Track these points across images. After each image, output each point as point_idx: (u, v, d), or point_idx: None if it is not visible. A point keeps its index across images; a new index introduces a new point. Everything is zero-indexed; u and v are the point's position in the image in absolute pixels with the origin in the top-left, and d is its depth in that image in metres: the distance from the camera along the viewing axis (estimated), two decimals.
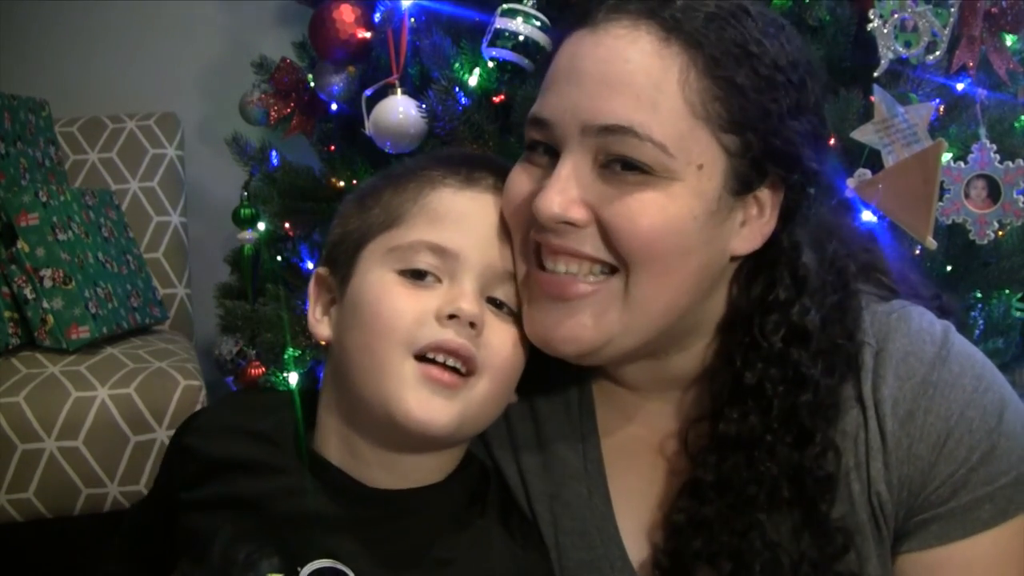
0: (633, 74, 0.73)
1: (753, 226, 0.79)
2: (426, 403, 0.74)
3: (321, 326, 0.83)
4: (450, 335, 0.75)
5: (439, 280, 0.77)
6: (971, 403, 0.78)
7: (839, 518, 0.79)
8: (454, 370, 0.75)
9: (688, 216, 0.74)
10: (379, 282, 0.78)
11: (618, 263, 0.76)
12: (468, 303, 0.75)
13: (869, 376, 0.80)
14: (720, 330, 0.83)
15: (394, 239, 0.79)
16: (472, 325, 0.75)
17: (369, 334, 0.76)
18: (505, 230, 0.80)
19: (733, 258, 0.80)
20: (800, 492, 0.78)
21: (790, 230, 0.80)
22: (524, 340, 0.80)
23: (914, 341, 0.80)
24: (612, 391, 0.89)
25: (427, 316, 0.75)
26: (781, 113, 0.76)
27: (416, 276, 0.77)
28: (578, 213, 0.75)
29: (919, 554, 0.79)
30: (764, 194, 0.78)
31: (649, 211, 0.74)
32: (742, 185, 0.77)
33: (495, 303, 0.80)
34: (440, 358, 0.75)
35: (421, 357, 0.75)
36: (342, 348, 0.80)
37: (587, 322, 0.77)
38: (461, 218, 0.79)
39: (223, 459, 0.82)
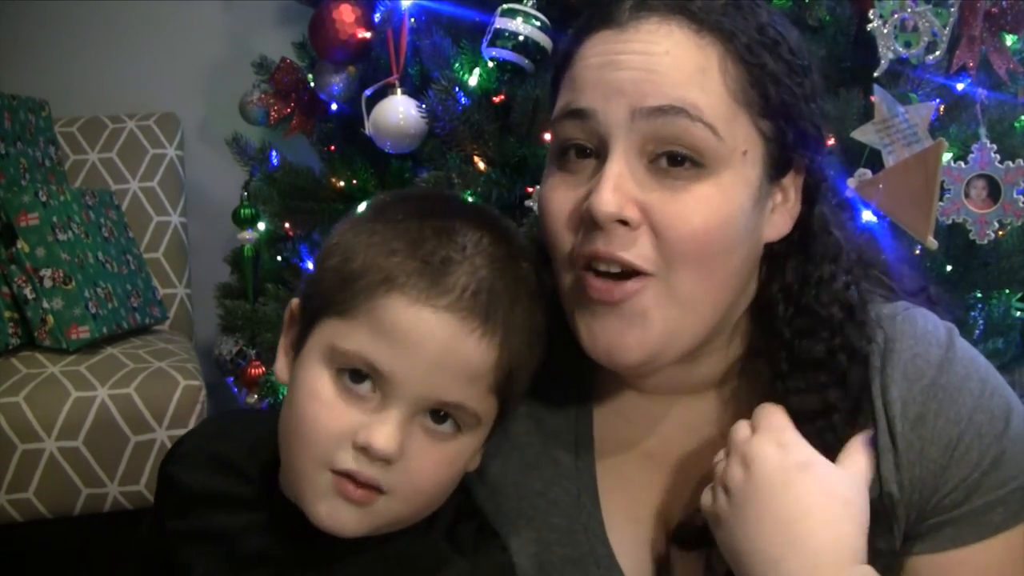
0: (678, 62, 0.74)
1: (780, 211, 0.80)
2: (336, 512, 0.72)
3: (282, 364, 0.79)
4: (361, 466, 0.71)
5: (374, 390, 0.72)
6: (979, 407, 0.78)
7: None
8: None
9: (738, 210, 0.75)
10: (313, 383, 0.73)
11: (657, 267, 0.74)
12: (383, 440, 0.70)
13: (877, 376, 0.80)
14: (747, 321, 0.83)
15: (337, 335, 0.72)
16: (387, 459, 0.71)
17: (293, 435, 0.73)
18: (460, 352, 0.72)
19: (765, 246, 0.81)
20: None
21: (818, 211, 0.81)
22: (460, 456, 0.76)
23: (920, 343, 0.80)
24: (616, 394, 0.88)
25: (345, 440, 0.71)
26: (805, 96, 0.78)
27: (354, 377, 0.72)
28: (631, 212, 0.73)
29: (932, 556, 0.79)
30: (788, 179, 0.80)
31: (703, 209, 0.73)
32: (776, 171, 0.78)
33: (438, 414, 0.73)
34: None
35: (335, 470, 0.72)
36: (282, 412, 0.76)
37: (642, 325, 0.75)
38: (406, 339, 0.70)
39: (198, 490, 0.81)
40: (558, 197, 0.78)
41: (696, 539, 0.81)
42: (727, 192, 0.74)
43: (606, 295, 0.75)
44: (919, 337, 0.81)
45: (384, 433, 0.70)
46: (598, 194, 0.73)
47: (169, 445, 1.72)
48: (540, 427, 0.88)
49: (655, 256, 0.74)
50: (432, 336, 0.71)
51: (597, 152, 0.76)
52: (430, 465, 0.73)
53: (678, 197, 0.73)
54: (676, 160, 0.74)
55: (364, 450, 0.70)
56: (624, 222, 0.73)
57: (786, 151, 0.78)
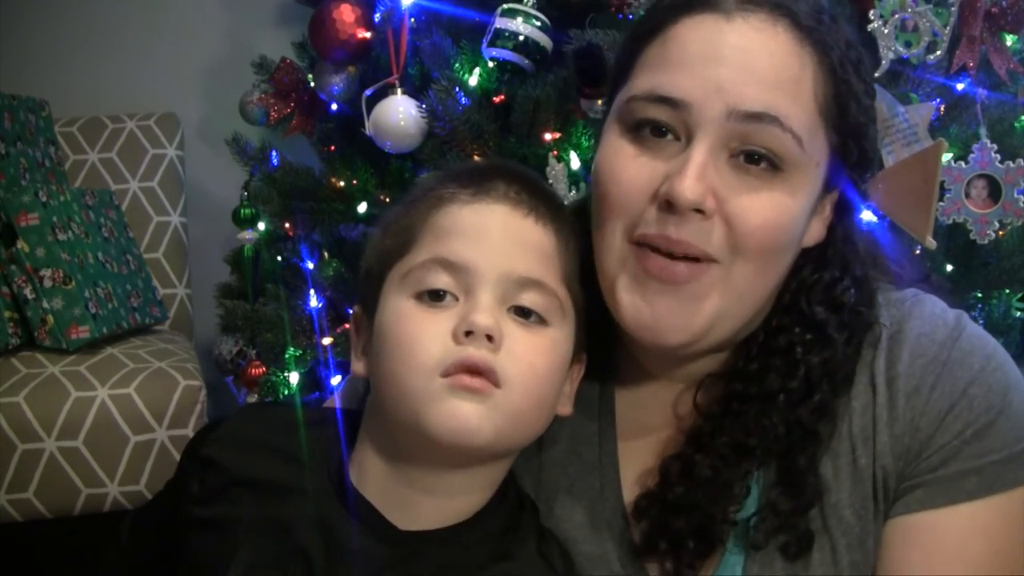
0: (778, 67, 0.74)
1: (817, 220, 0.82)
2: (457, 411, 0.72)
3: (360, 364, 0.82)
4: (469, 351, 0.72)
5: (456, 298, 0.75)
6: (976, 380, 0.79)
7: (812, 474, 0.80)
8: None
9: (801, 215, 0.77)
10: (397, 310, 0.76)
11: (723, 255, 0.76)
12: (481, 316, 0.73)
13: (883, 355, 0.81)
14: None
15: (407, 263, 0.77)
16: (490, 338, 0.73)
17: (392, 362, 0.74)
18: (523, 235, 0.78)
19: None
20: (788, 444, 0.80)
21: (845, 222, 0.83)
22: (556, 346, 0.78)
23: (927, 323, 0.82)
24: (636, 383, 0.89)
25: (444, 337, 0.73)
26: (872, 119, 0.80)
27: (433, 297, 0.75)
28: (710, 202, 0.74)
29: (902, 518, 0.80)
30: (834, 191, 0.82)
31: (776, 208, 0.75)
32: (832, 184, 0.80)
33: (522, 312, 0.76)
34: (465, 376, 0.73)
35: (446, 375, 0.73)
36: (374, 380, 0.78)
37: (693, 308, 0.76)
38: (470, 231, 0.76)
39: (246, 477, 0.79)
40: (631, 168, 0.77)
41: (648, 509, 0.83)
42: (798, 198, 0.76)
43: (671, 276, 0.76)
44: (927, 319, 0.82)
45: (479, 312, 0.73)
46: (682, 179, 0.73)
47: (169, 445, 1.74)
48: (563, 423, 0.88)
49: (723, 245, 0.75)
50: (492, 222, 0.77)
51: (677, 134, 0.76)
52: (531, 350, 0.75)
53: (756, 195, 0.75)
54: (754, 158, 0.75)
55: (468, 335, 0.72)
56: (700, 210, 0.74)
57: (844, 167, 0.79)
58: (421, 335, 0.74)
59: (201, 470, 0.81)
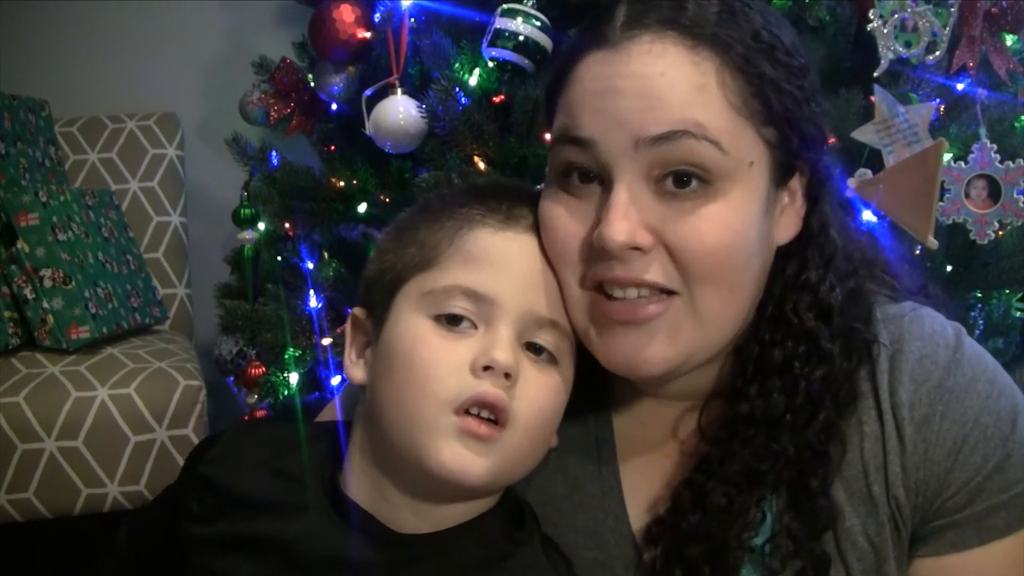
0: (674, 82, 0.72)
1: (789, 213, 0.80)
2: (461, 455, 0.72)
3: (356, 369, 0.81)
4: (486, 387, 0.72)
5: (475, 326, 0.75)
6: (985, 409, 0.78)
7: (825, 497, 0.79)
8: (490, 420, 0.73)
9: (750, 222, 0.75)
10: (413, 330, 0.75)
11: (679, 285, 0.75)
12: (502, 353, 0.73)
13: (885, 379, 0.80)
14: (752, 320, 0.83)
15: (429, 282, 0.76)
16: (507, 375, 0.73)
17: (403, 385, 0.74)
18: (546, 273, 0.78)
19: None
20: (798, 467, 0.79)
21: (818, 210, 0.81)
22: (563, 387, 0.78)
23: (928, 344, 0.80)
24: (631, 399, 0.88)
25: (462, 369, 0.73)
26: (806, 98, 0.77)
27: (451, 321, 0.75)
28: (643, 238, 0.73)
29: (934, 559, 0.80)
30: (795, 180, 0.80)
31: (715, 227, 0.73)
32: (782, 176, 0.78)
33: (534, 348, 0.77)
34: (474, 410, 0.72)
35: (458, 412, 0.73)
36: (375, 394, 0.77)
37: (665, 341, 0.75)
38: (498, 261, 0.76)
39: (244, 496, 0.79)
40: (564, 223, 0.77)
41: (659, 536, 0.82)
42: (737, 207, 0.74)
43: (628, 316, 0.75)
44: (926, 338, 0.81)
45: (501, 348, 0.73)
46: (608, 225, 0.72)
47: (169, 445, 1.74)
48: (560, 435, 0.88)
49: (675, 273, 0.74)
50: (520, 255, 0.77)
51: (601, 177, 0.76)
52: (541, 391, 0.76)
53: (689, 219, 0.73)
54: (682, 180, 0.73)
55: (486, 370, 0.72)
56: (637, 247, 0.73)
57: (791, 156, 0.77)
58: (438, 363, 0.73)
59: (199, 490, 0.82)
